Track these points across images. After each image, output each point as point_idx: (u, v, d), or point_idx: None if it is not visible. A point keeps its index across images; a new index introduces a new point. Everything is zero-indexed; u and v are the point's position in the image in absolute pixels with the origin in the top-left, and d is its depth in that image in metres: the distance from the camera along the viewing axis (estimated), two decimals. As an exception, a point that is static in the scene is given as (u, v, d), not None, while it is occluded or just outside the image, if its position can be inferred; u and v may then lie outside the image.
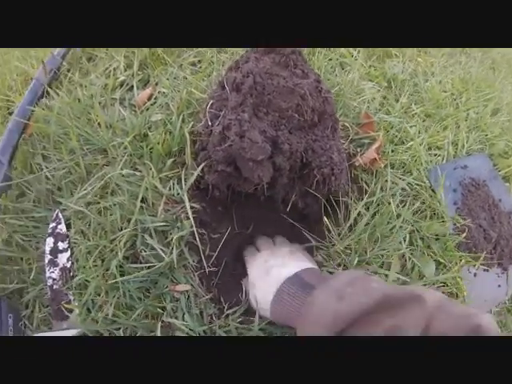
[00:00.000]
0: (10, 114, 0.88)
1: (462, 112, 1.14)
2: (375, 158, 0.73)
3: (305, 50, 0.96)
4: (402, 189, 0.76)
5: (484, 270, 0.84)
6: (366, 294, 0.36)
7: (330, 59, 1.01)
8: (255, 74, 0.55)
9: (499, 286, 0.85)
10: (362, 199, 0.70)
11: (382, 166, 0.76)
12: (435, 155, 0.92)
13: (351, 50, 1.11)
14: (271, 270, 0.52)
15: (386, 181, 0.74)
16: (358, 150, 0.76)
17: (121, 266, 0.55)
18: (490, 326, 0.33)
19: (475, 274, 0.81)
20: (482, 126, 1.16)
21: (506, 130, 1.22)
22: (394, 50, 1.29)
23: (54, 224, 0.65)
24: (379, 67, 1.18)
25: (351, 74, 1.01)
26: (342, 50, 1.11)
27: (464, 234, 0.77)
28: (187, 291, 0.55)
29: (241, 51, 0.84)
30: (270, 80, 0.55)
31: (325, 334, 0.36)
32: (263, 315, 0.53)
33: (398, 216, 0.69)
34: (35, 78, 0.82)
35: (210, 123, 0.54)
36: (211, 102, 0.57)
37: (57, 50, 0.90)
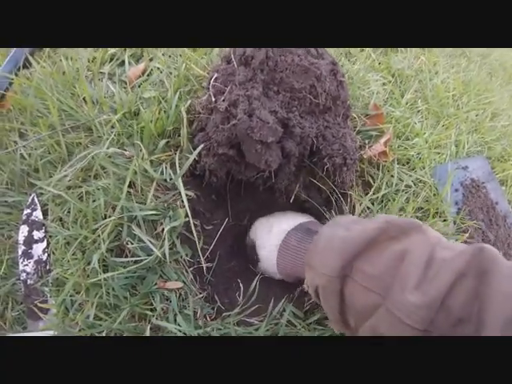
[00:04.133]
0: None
1: (463, 113, 1.14)
2: (384, 152, 0.68)
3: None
4: (407, 185, 0.73)
5: None
6: (371, 223, 0.38)
7: (341, 53, 0.97)
8: (268, 52, 0.48)
9: None
10: (367, 193, 0.66)
11: (390, 159, 0.72)
12: (438, 154, 0.90)
13: None
14: (273, 227, 0.54)
15: (392, 176, 0.71)
16: (366, 142, 0.71)
17: (104, 260, 0.48)
18: (492, 248, 0.33)
19: None
20: (481, 128, 1.16)
21: (503, 135, 1.23)
22: None
23: (28, 210, 0.57)
24: (383, 61, 1.16)
25: (357, 65, 0.98)
26: None
27: (467, 235, 0.76)
28: (179, 289, 0.49)
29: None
30: (283, 56, 0.49)
31: (334, 264, 0.36)
32: (271, 275, 0.55)
33: (402, 210, 0.65)
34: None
35: (213, 99, 0.47)
36: (215, 75, 0.50)
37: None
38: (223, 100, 0.45)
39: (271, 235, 0.53)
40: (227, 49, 0.57)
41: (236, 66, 0.49)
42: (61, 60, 0.73)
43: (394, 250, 0.35)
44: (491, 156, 1.11)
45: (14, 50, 0.73)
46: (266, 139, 0.42)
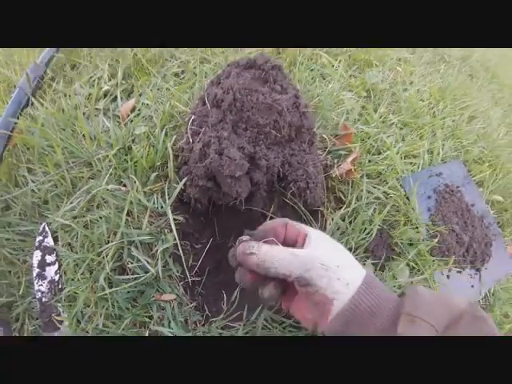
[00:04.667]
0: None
1: (439, 120, 1.18)
2: (351, 170, 0.76)
3: (285, 62, 0.98)
4: (377, 197, 0.79)
5: (457, 271, 0.88)
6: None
7: (312, 70, 1.03)
8: (235, 90, 0.57)
9: (472, 286, 0.90)
10: (340, 208, 0.73)
11: (358, 176, 0.78)
12: (411, 164, 0.95)
13: (332, 60, 1.13)
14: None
15: (362, 190, 0.77)
16: (335, 161, 0.79)
17: (109, 278, 0.57)
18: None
19: (448, 276, 0.86)
20: (458, 133, 1.20)
21: (481, 137, 1.28)
22: (374, 60, 1.32)
23: (40, 237, 0.66)
24: (360, 77, 1.21)
25: (331, 85, 1.03)
26: (324, 60, 1.13)
27: (436, 240, 0.81)
28: (172, 300, 0.58)
29: (223, 63, 0.85)
30: (249, 96, 0.58)
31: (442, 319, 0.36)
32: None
33: (371, 222, 0.73)
34: (18, 86, 0.82)
35: (190, 140, 0.56)
36: (192, 117, 0.59)
37: (40, 58, 0.90)
38: (198, 141, 0.54)
39: None
40: (204, 88, 0.66)
41: (209, 107, 0.58)
42: (60, 97, 0.82)
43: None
44: (468, 159, 1.15)
45: (16, 90, 0.82)
46: (234, 174, 0.51)
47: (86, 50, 0.95)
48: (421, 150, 0.99)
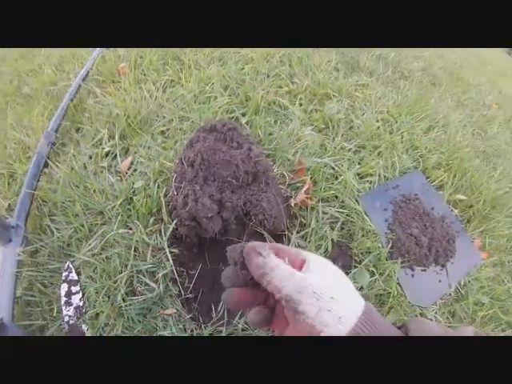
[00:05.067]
0: (14, 179, 1.09)
1: (397, 136, 1.34)
2: (305, 199, 0.98)
3: (250, 111, 1.21)
4: (333, 216, 0.98)
5: (422, 270, 0.99)
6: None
7: (277, 113, 1.24)
8: (202, 152, 0.79)
9: (440, 281, 0.99)
10: (302, 231, 0.94)
11: (314, 202, 0.99)
12: (368, 182, 1.12)
13: (290, 102, 1.36)
14: None
15: (318, 212, 0.97)
16: (293, 192, 1.01)
17: (123, 299, 0.77)
18: None
19: (412, 275, 0.98)
20: (417, 144, 1.35)
21: (439, 144, 1.42)
22: (332, 92, 1.51)
23: (66, 273, 0.86)
24: (320, 110, 1.38)
25: (291, 125, 1.23)
26: (286, 101, 1.35)
27: (389, 245, 0.97)
28: (173, 313, 0.78)
29: (198, 120, 1.08)
30: (213, 155, 0.80)
31: None
32: None
33: (326, 238, 0.94)
34: (37, 151, 1.03)
35: (175, 193, 0.78)
36: (175, 176, 0.80)
37: (50, 126, 1.11)
38: (180, 193, 0.76)
39: None
40: (181, 152, 0.87)
41: (186, 167, 0.80)
42: (70, 158, 1.03)
43: None
44: (428, 166, 1.28)
45: (35, 155, 1.03)
46: (207, 215, 0.72)
47: (87, 114, 1.17)
48: (376, 168, 1.14)
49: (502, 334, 0.98)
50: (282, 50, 1.78)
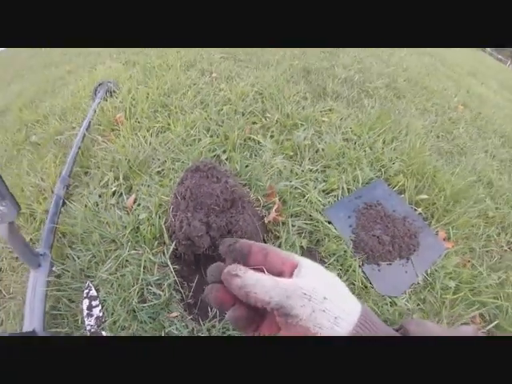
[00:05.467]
0: (34, 218, 1.30)
1: (361, 152, 1.56)
2: (275, 216, 1.23)
3: (229, 148, 1.48)
4: (301, 228, 1.22)
5: (387, 264, 1.15)
6: None
7: (252, 148, 1.51)
8: (191, 187, 1.04)
9: (406, 272, 1.15)
10: (277, 242, 1.19)
11: (284, 218, 1.25)
12: (333, 196, 1.36)
13: (266, 132, 1.63)
14: None
15: (288, 226, 1.22)
16: (267, 212, 1.27)
17: (136, 306, 0.99)
18: None
19: (379, 270, 1.14)
20: (379, 156, 1.56)
21: (400, 153, 1.62)
22: (300, 121, 1.75)
23: (87, 290, 1.07)
24: (289, 139, 1.63)
25: (264, 156, 1.50)
26: (259, 136, 1.62)
27: (351, 246, 1.19)
28: (177, 316, 1.00)
29: (187, 161, 1.33)
30: (199, 189, 1.04)
31: None
32: None
33: (295, 246, 1.19)
34: (55, 193, 1.25)
35: (173, 220, 1.02)
36: (172, 207, 1.05)
37: (64, 171, 1.34)
38: (176, 220, 1.00)
39: None
40: (175, 188, 1.13)
41: (179, 200, 1.05)
42: (83, 197, 1.26)
43: None
44: (390, 174, 1.47)
45: (54, 197, 1.25)
46: (198, 234, 0.96)
47: (93, 160, 1.41)
48: (339, 183, 1.37)
49: (497, 334, 1.08)
50: (255, 88, 2.08)
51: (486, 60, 11.48)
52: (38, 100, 2.18)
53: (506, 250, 1.42)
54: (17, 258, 1.23)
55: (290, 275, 0.33)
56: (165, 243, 1.07)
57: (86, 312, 1.05)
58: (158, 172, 1.34)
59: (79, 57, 3.26)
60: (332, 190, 1.39)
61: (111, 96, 1.85)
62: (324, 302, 0.30)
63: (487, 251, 1.38)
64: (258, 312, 0.35)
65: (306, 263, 0.34)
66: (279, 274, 0.33)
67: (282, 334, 0.33)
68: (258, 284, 0.31)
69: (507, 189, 1.79)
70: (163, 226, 1.07)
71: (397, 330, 0.35)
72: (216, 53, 2.80)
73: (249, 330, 0.35)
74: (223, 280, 0.33)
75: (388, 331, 0.30)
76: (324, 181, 1.42)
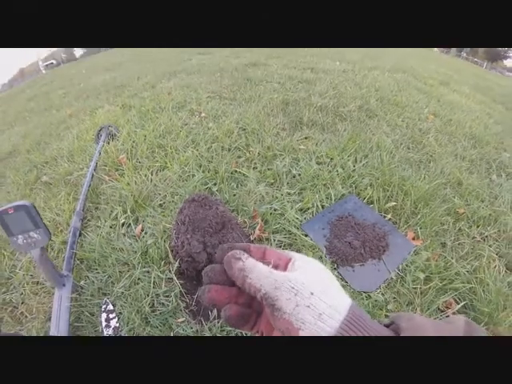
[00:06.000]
0: (52, 248, 1.52)
1: (334, 172, 1.78)
2: (259, 234, 1.49)
3: (219, 180, 1.75)
4: (281, 241, 1.47)
5: (360, 265, 1.32)
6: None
7: (238, 179, 1.78)
8: (189, 215, 1.30)
9: (379, 270, 1.30)
10: None
11: (266, 235, 1.51)
12: (309, 213, 1.60)
13: (250, 163, 1.92)
14: None
15: (270, 241, 1.49)
16: (252, 231, 1.52)
17: (149, 315, 1.21)
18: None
19: (353, 270, 1.31)
20: (351, 173, 1.75)
21: (370, 168, 1.80)
22: (278, 152, 2.01)
23: (104, 305, 1.29)
24: (270, 168, 1.89)
25: (249, 185, 1.76)
26: (244, 169, 1.91)
27: (325, 251, 1.39)
28: (183, 321, 1.22)
29: (183, 194, 1.60)
30: (195, 215, 1.30)
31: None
32: None
33: None
34: (72, 226, 1.48)
35: (176, 241, 1.27)
36: (174, 231, 1.30)
37: (78, 206, 1.58)
38: (179, 241, 1.25)
39: None
40: (176, 216, 1.38)
41: (180, 225, 1.30)
42: (96, 230, 1.50)
43: None
44: (362, 188, 1.67)
45: (71, 229, 1.48)
46: (196, 251, 1.21)
47: (102, 197, 1.66)
48: (314, 202, 1.61)
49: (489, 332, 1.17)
50: (240, 124, 2.38)
51: (460, 65, 11.89)
52: (44, 142, 2.43)
53: (479, 241, 1.55)
54: (37, 282, 1.43)
55: (285, 269, 0.34)
56: (170, 262, 1.30)
57: (104, 324, 1.26)
58: (160, 205, 1.60)
59: (78, 100, 3.54)
60: (308, 208, 1.61)
61: (113, 139, 2.13)
62: (310, 297, 0.30)
63: (459, 244, 1.52)
64: (254, 309, 0.36)
65: (299, 257, 0.35)
66: (275, 268, 0.34)
67: (276, 331, 0.33)
68: (255, 270, 0.32)
69: (477, 185, 1.95)
70: (168, 248, 1.32)
71: (387, 326, 0.35)
72: (204, 92, 3.14)
73: (246, 328, 0.36)
74: (225, 263, 0.34)
75: (379, 330, 0.30)
76: (300, 201, 1.64)
